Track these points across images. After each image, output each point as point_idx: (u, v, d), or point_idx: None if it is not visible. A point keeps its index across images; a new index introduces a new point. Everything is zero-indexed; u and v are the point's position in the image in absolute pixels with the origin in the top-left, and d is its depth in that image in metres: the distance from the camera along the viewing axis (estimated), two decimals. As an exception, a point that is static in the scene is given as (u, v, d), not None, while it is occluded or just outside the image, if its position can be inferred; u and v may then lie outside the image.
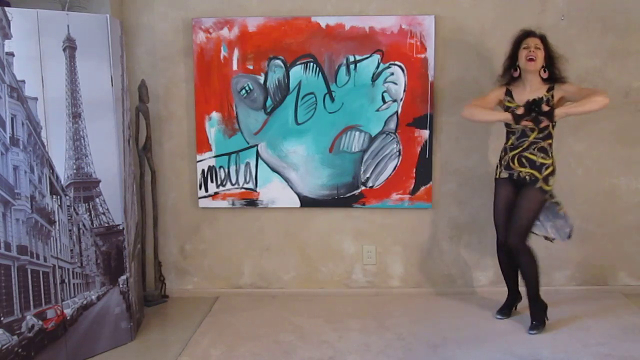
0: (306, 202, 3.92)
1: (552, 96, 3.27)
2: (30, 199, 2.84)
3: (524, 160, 3.32)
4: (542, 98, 3.26)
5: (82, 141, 3.04)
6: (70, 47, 2.95)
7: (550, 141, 3.31)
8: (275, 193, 3.92)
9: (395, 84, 3.79)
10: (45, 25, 2.85)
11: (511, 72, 3.37)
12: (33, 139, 2.85)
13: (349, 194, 3.91)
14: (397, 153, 3.85)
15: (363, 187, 3.90)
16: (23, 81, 2.80)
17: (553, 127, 3.28)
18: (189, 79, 3.88)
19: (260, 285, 4.08)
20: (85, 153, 3.06)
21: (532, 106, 3.21)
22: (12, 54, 2.76)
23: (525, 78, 3.33)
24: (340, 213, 3.97)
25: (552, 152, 3.32)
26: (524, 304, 3.56)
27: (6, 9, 2.75)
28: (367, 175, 3.89)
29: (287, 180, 3.91)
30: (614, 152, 3.86)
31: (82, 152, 3.05)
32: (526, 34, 3.32)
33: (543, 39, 3.30)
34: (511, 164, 3.35)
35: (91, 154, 3.08)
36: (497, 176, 3.45)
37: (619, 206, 3.91)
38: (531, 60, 3.25)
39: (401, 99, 3.79)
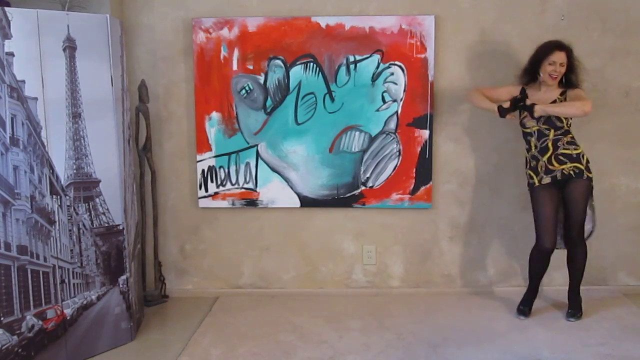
0: (306, 202, 3.92)
1: (565, 99, 3.38)
2: (30, 199, 2.84)
3: (562, 158, 3.35)
4: (523, 97, 3.41)
5: (82, 141, 3.04)
6: (70, 47, 2.94)
7: (570, 135, 3.39)
8: (275, 193, 3.92)
9: (395, 84, 3.79)
10: (45, 25, 2.85)
11: (534, 76, 3.43)
12: (33, 139, 2.85)
13: (349, 194, 3.91)
14: (397, 153, 3.85)
15: (363, 187, 3.90)
16: (23, 81, 2.80)
17: (569, 124, 3.38)
18: (189, 79, 3.87)
19: (260, 285, 4.08)
20: (85, 153, 3.06)
21: (517, 102, 3.36)
22: (12, 54, 2.76)
23: (542, 82, 3.43)
24: (340, 213, 3.97)
25: (577, 143, 3.41)
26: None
27: (6, 9, 2.75)
28: (367, 175, 3.89)
29: (287, 180, 3.91)
30: (614, 152, 3.86)
31: (82, 152, 3.05)
32: (554, 47, 3.34)
33: (569, 52, 3.36)
34: (550, 166, 3.36)
35: (91, 154, 3.08)
36: (538, 183, 3.41)
37: (619, 206, 3.91)
38: (554, 77, 3.35)
39: (401, 99, 3.79)
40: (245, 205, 3.95)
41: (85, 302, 3.10)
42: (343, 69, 3.79)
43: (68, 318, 3.01)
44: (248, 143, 3.89)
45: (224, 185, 3.94)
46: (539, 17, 3.74)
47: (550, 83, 3.38)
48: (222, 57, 3.81)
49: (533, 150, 3.42)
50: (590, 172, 3.39)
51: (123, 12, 3.81)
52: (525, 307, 3.58)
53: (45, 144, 2.89)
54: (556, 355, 3.08)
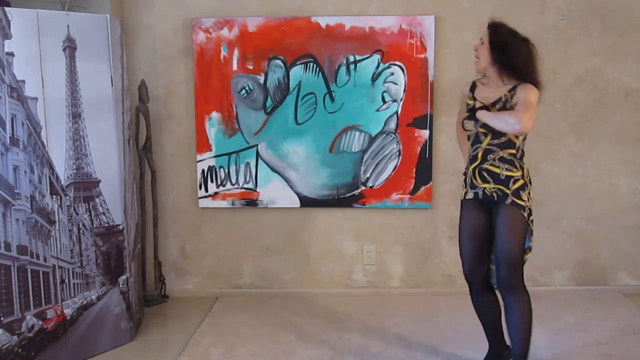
0: (306, 202, 3.92)
1: (512, 97, 2.61)
2: (30, 199, 2.84)
3: (485, 174, 2.68)
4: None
5: (82, 141, 3.04)
6: (70, 47, 2.94)
7: (512, 151, 2.64)
8: (275, 193, 3.92)
9: (395, 84, 3.79)
10: (45, 25, 2.85)
11: None
12: (33, 139, 2.85)
13: (349, 194, 3.90)
14: (397, 153, 3.85)
15: (363, 187, 3.90)
16: (23, 81, 2.80)
17: (517, 136, 2.64)
18: (189, 79, 3.87)
19: (260, 285, 4.08)
20: (85, 153, 3.06)
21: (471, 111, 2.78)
22: (12, 54, 2.76)
23: (488, 76, 2.73)
24: (340, 213, 3.97)
25: (521, 165, 2.68)
26: None
27: (6, 9, 2.75)
28: (367, 175, 3.89)
29: (287, 180, 3.91)
30: (614, 152, 3.86)
31: (82, 152, 3.05)
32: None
33: (491, 27, 2.69)
34: (474, 180, 2.72)
35: (91, 154, 3.08)
36: (463, 197, 2.82)
37: (619, 206, 3.91)
38: (476, 63, 2.70)
39: (401, 99, 3.79)
40: (245, 205, 3.95)
41: (85, 302, 3.10)
42: (343, 69, 3.79)
43: (68, 318, 3.01)
44: (248, 143, 3.89)
45: (224, 185, 3.94)
46: (539, 17, 3.74)
47: (477, 70, 2.72)
48: (222, 57, 3.81)
49: (469, 156, 2.81)
50: (520, 199, 2.61)
51: (123, 12, 3.81)
52: None
53: (45, 144, 2.89)
54: (556, 355, 3.08)
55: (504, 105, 2.62)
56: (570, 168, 3.87)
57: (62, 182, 2.98)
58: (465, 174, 2.83)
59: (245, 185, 3.93)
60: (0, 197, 2.73)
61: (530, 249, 2.75)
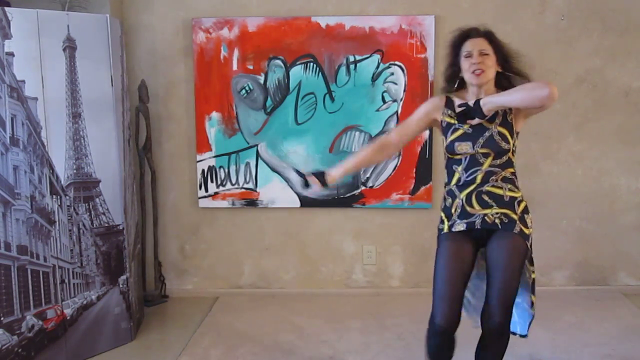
0: (306, 202, 3.92)
1: (511, 108, 2.37)
2: (30, 199, 2.84)
3: (486, 198, 2.34)
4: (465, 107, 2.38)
5: (82, 141, 3.04)
6: (70, 47, 2.94)
7: (512, 170, 2.40)
8: (275, 193, 3.92)
9: (395, 84, 3.79)
10: (45, 25, 2.85)
11: (454, 82, 2.47)
12: (33, 139, 2.85)
13: (349, 194, 3.90)
14: (397, 153, 3.85)
15: (363, 187, 3.90)
16: (23, 81, 2.80)
17: (513, 152, 2.39)
18: (189, 79, 3.87)
19: (260, 285, 4.08)
20: (85, 153, 3.06)
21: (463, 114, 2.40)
22: (12, 54, 2.76)
23: (473, 90, 2.39)
24: (340, 213, 3.97)
25: (518, 185, 2.44)
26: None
27: (6, 9, 2.75)
28: (367, 175, 3.89)
29: (287, 180, 3.91)
30: (614, 152, 3.86)
31: (82, 152, 3.05)
32: (464, 36, 2.42)
33: (489, 36, 2.40)
34: (468, 207, 2.36)
35: (91, 154, 3.08)
36: (447, 230, 2.42)
37: (619, 206, 3.91)
38: (478, 73, 2.33)
39: (401, 99, 3.79)
40: (245, 205, 3.95)
41: (85, 302, 3.10)
42: (343, 69, 3.79)
43: (68, 318, 3.01)
44: (248, 143, 3.89)
45: (224, 185, 3.94)
46: (539, 17, 3.74)
47: (476, 82, 2.34)
48: (222, 57, 3.81)
49: (453, 183, 2.42)
50: (527, 228, 2.36)
51: (123, 12, 3.81)
52: None
53: (45, 144, 2.89)
54: (556, 356, 3.08)
55: (503, 118, 2.35)
56: (570, 168, 3.88)
57: (62, 182, 2.98)
58: (445, 205, 2.46)
59: (245, 185, 3.93)
60: (0, 197, 2.73)
61: (534, 281, 2.47)
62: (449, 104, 2.44)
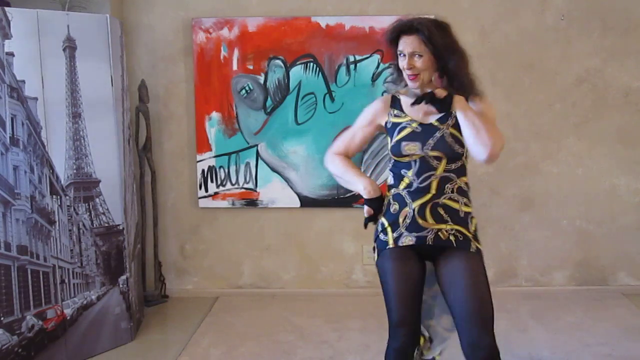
0: (306, 202, 3.92)
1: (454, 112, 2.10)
2: (30, 199, 2.84)
3: (441, 212, 2.10)
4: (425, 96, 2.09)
5: (82, 141, 3.04)
6: (70, 47, 2.94)
7: (466, 179, 2.17)
8: (275, 193, 3.92)
9: (395, 84, 3.78)
10: (45, 25, 2.85)
11: (401, 79, 2.24)
12: (33, 139, 2.85)
13: (349, 194, 3.90)
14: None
15: (363, 187, 3.89)
16: (23, 81, 2.80)
17: (466, 156, 2.15)
18: (189, 79, 3.87)
19: (260, 285, 4.08)
20: (85, 153, 3.06)
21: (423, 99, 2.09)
22: (12, 54, 2.76)
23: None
24: (340, 213, 3.97)
25: (471, 197, 2.20)
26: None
27: (6, 9, 2.75)
28: (367, 175, 3.88)
29: (287, 180, 3.91)
30: (614, 152, 3.86)
31: (82, 152, 3.05)
32: (397, 31, 2.20)
33: (425, 34, 2.12)
34: (420, 220, 2.10)
35: (91, 154, 3.08)
36: (393, 245, 2.13)
37: (619, 206, 3.91)
38: (411, 78, 2.12)
39: (401, 99, 3.79)
40: (245, 205, 3.95)
41: (85, 302, 3.10)
42: (343, 69, 3.79)
43: (68, 318, 3.01)
44: (248, 143, 3.89)
45: (224, 185, 3.94)
46: (539, 17, 3.74)
47: (413, 87, 2.15)
48: (222, 57, 3.81)
49: (402, 188, 2.15)
50: (479, 244, 2.13)
51: (123, 12, 3.81)
52: None
53: (45, 144, 2.89)
54: (556, 355, 3.08)
55: (456, 120, 2.09)
56: (570, 168, 3.88)
57: (62, 182, 2.98)
58: (388, 212, 2.18)
59: (245, 185, 3.93)
60: (0, 197, 2.73)
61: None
62: (394, 102, 2.24)
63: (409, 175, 2.14)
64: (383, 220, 2.20)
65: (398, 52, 2.16)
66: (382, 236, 2.18)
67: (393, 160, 2.21)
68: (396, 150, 2.16)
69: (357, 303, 3.86)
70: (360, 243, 4.00)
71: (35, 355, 2.89)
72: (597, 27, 3.74)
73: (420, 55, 2.09)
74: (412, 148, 2.12)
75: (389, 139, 2.22)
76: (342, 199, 3.91)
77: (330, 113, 3.83)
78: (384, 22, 3.73)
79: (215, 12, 3.80)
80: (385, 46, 2.23)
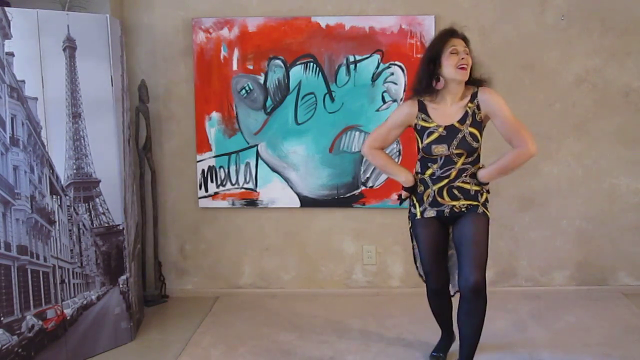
0: (306, 202, 3.92)
1: (478, 107, 2.65)
2: (30, 199, 2.84)
3: (456, 192, 2.71)
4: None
5: (82, 141, 3.04)
6: (70, 47, 2.95)
7: (479, 165, 2.74)
8: (275, 193, 3.92)
9: (395, 84, 3.79)
10: (45, 25, 2.85)
11: (432, 84, 2.66)
12: (33, 139, 2.85)
13: (349, 194, 3.91)
14: (397, 153, 3.85)
15: (363, 187, 3.90)
16: (23, 81, 2.80)
17: (480, 147, 2.72)
18: (189, 79, 3.88)
19: (260, 285, 4.08)
20: (85, 153, 3.06)
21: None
22: (12, 54, 2.76)
23: (447, 89, 2.66)
24: (340, 213, 3.97)
25: None
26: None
27: (6, 9, 2.75)
28: (367, 175, 3.89)
29: (287, 180, 3.91)
30: (614, 152, 3.86)
31: (82, 152, 3.05)
32: (449, 34, 2.65)
33: (467, 41, 2.68)
34: (439, 198, 2.72)
35: (91, 154, 3.08)
36: (420, 216, 2.77)
37: (619, 206, 3.91)
38: (463, 68, 2.59)
39: (401, 99, 3.79)
40: (245, 205, 3.95)
41: (85, 302, 3.10)
42: (343, 69, 3.79)
43: (68, 318, 3.01)
44: (248, 143, 3.89)
45: (224, 185, 3.94)
46: (539, 17, 3.74)
47: (461, 77, 2.59)
48: (222, 57, 3.81)
49: (426, 175, 2.74)
50: (487, 210, 2.74)
51: (123, 12, 3.81)
52: (439, 354, 3.06)
53: (45, 144, 2.89)
54: (556, 355, 3.08)
55: (473, 119, 2.64)
56: (570, 168, 3.88)
57: (62, 182, 2.98)
58: (414, 191, 2.80)
59: (245, 185, 3.93)
60: (0, 197, 2.73)
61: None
62: (421, 107, 2.71)
63: (434, 167, 2.71)
64: (413, 198, 2.82)
65: (450, 49, 2.59)
66: (412, 209, 2.83)
67: (422, 155, 2.74)
68: (427, 151, 2.69)
69: (357, 303, 3.86)
70: (360, 243, 4.00)
71: (35, 355, 2.89)
72: (597, 27, 3.74)
73: (467, 53, 2.62)
74: (440, 149, 2.66)
75: (418, 138, 2.73)
76: (342, 199, 3.91)
77: (330, 113, 3.83)
78: (384, 22, 3.74)
79: (215, 12, 3.80)
80: (431, 50, 2.65)
